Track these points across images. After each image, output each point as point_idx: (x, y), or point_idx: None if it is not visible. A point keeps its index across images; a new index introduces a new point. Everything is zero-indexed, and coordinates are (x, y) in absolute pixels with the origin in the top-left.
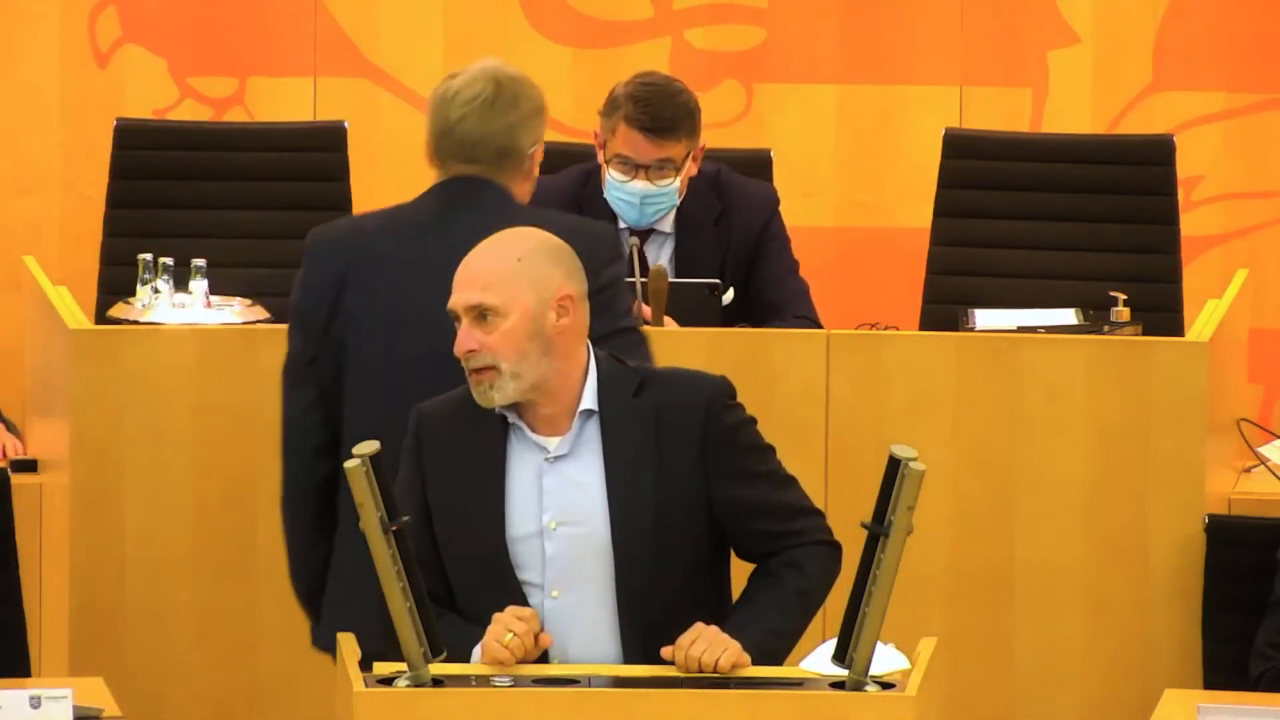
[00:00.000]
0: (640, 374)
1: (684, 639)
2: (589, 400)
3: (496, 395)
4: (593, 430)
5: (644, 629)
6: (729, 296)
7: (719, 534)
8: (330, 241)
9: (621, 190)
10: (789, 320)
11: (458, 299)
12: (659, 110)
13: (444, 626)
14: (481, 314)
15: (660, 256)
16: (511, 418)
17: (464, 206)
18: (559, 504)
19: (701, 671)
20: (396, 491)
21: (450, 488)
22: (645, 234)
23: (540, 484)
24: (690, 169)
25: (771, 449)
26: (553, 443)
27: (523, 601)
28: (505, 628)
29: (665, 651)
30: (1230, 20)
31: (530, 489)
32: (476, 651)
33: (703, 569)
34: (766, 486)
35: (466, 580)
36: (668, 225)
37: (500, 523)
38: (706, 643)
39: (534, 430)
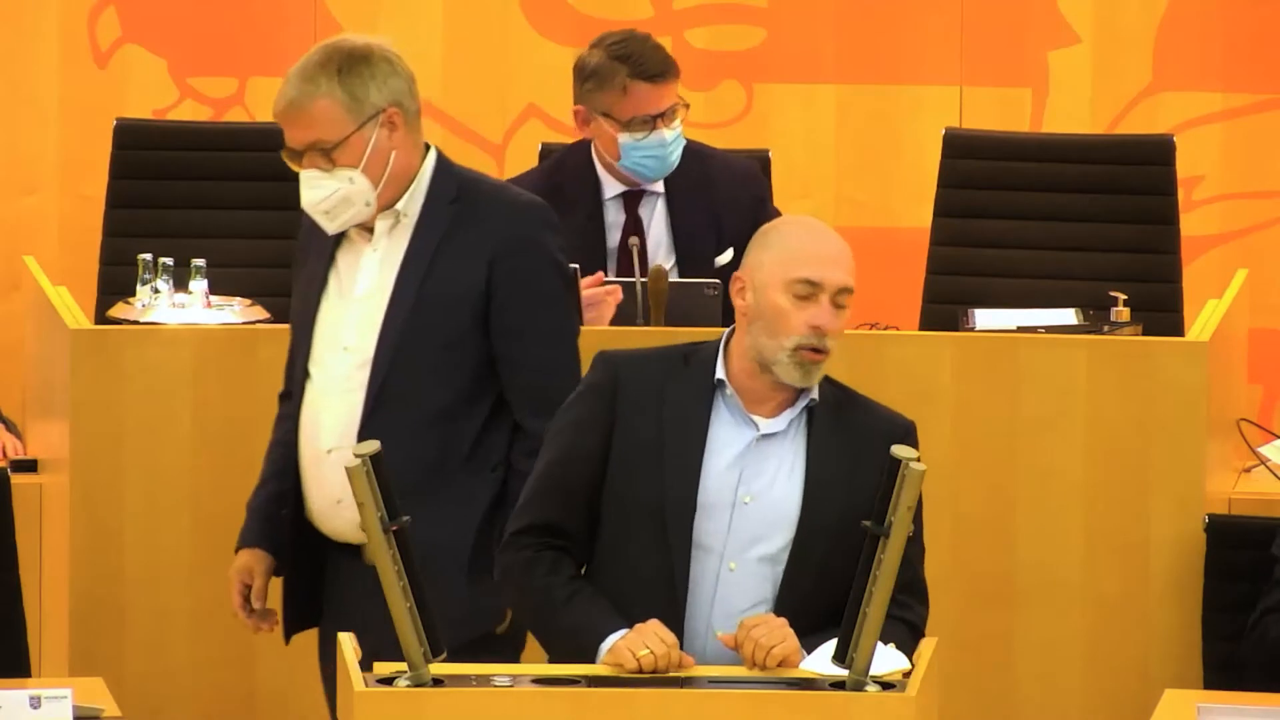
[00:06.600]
0: (842, 389)
1: (749, 620)
2: (814, 390)
3: (817, 375)
4: (803, 420)
5: (795, 618)
6: (728, 256)
7: None
8: None
9: (646, 148)
10: None
11: (837, 276)
12: (652, 55)
13: (587, 602)
14: (843, 296)
15: (654, 215)
16: (729, 389)
17: None
18: (758, 480)
19: (755, 657)
20: (573, 420)
21: (647, 440)
22: (638, 195)
23: (744, 457)
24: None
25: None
26: (764, 421)
27: (685, 565)
28: (644, 642)
29: (725, 638)
30: (1230, 20)
31: (733, 460)
32: (605, 644)
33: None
34: (912, 547)
35: (633, 532)
36: (658, 185)
37: (694, 486)
38: (769, 629)
39: (745, 406)
